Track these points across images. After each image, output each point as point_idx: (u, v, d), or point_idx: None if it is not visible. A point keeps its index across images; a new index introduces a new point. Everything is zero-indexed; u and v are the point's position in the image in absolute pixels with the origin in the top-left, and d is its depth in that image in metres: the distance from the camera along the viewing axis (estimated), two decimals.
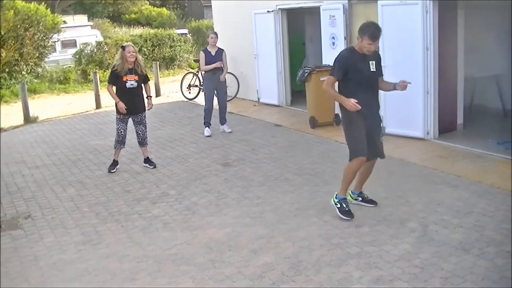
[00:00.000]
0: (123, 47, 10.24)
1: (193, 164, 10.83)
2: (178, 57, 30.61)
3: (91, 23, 38.36)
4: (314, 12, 14.76)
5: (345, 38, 13.18)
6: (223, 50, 13.10)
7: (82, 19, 42.93)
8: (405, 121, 11.31)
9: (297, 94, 16.07)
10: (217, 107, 13.40)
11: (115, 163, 10.75)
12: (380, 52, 11.54)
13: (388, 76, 11.19)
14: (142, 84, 10.56)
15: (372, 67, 7.40)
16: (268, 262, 6.46)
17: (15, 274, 6.62)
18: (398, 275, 5.95)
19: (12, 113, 19.41)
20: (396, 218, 7.46)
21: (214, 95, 13.23)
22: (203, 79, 13.03)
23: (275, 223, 7.64)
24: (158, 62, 24.18)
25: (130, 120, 10.56)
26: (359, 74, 7.31)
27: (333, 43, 13.55)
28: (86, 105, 19.59)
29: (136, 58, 10.26)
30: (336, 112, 13.26)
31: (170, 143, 12.52)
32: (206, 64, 12.85)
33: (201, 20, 38.92)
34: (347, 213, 7.54)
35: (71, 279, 6.43)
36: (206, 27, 33.62)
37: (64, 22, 31.04)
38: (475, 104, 13.03)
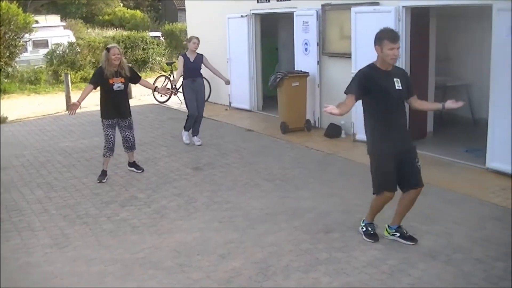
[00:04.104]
0: (108, 49, 9.87)
1: (163, 168, 10.78)
2: (150, 59, 30.41)
3: (63, 24, 37.95)
4: (288, 18, 14.79)
5: (317, 44, 13.23)
6: (202, 55, 12.62)
7: (54, 19, 42.46)
8: None
9: (269, 99, 16.08)
10: None
11: (104, 173, 10.26)
12: (352, 60, 11.71)
13: None
14: (139, 84, 10.46)
15: (398, 85, 6.60)
16: (236, 267, 6.44)
17: None
18: (366, 281, 5.97)
19: None
20: None
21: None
22: (182, 87, 12.65)
23: (244, 228, 7.62)
24: (130, 65, 24.00)
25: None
26: (384, 92, 6.55)
27: (306, 49, 13.60)
28: (57, 106, 19.39)
29: (120, 61, 9.90)
30: (307, 118, 13.30)
31: (141, 146, 12.42)
32: (186, 70, 12.35)
33: (175, 23, 38.82)
34: (371, 235, 7.05)
35: (37, 282, 6.37)
36: (180, 30, 33.56)
37: (36, 21, 30.71)
38: (445, 113, 13.12)
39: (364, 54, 11.28)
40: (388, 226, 7.09)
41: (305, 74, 13.15)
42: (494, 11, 9.12)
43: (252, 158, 11.17)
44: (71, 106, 9.88)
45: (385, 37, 6.56)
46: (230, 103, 16.97)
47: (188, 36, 12.61)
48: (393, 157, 6.66)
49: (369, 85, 6.56)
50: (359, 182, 9.26)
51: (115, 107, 10.02)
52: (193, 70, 12.41)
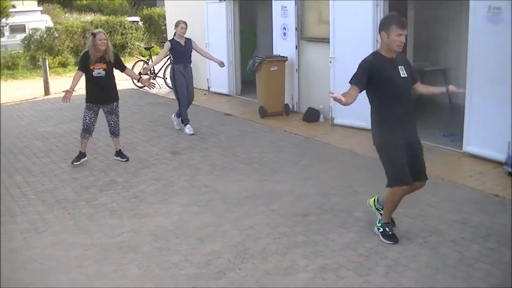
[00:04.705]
0: (94, 34, 9.73)
1: (142, 152, 10.79)
2: (129, 44, 30.23)
3: (41, 8, 37.64)
4: (266, 3, 14.78)
5: (296, 29, 13.23)
6: (190, 39, 12.33)
7: (32, 4, 42.03)
8: (354, 112, 11.36)
9: (247, 84, 16.09)
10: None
11: (81, 155, 10.21)
12: (330, 44, 11.75)
13: (339, 68, 11.35)
14: (123, 72, 10.40)
15: (403, 73, 6.36)
16: (215, 250, 6.48)
17: None
18: (343, 264, 6.03)
19: None
20: (343, 207, 7.55)
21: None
22: (173, 73, 12.31)
23: (222, 211, 7.67)
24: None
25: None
26: (389, 81, 6.29)
27: (284, 34, 13.60)
28: (35, 91, 19.27)
29: (107, 46, 9.80)
30: (285, 102, 13.33)
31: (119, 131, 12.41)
32: (177, 55, 12.15)
33: (153, 8, 38.61)
34: (390, 236, 6.58)
35: (16, 267, 6.36)
36: (158, 15, 33.38)
37: (13, 6, 30.44)
38: (422, 98, 13.20)
39: (342, 39, 11.38)
40: (377, 198, 6.96)
41: (284, 59, 13.16)
42: None
43: (231, 142, 11.20)
44: (65, 94, 9.72)
45: (393, 22, 6.23)
46: (208, 87, 16.95)
47: (175, 21, 12.23)
48: (403, 147, 6.41)
49: (373, 74, 6.28)
50: (336, 166, 9.33)
51: (97, 93, 9.95)
52: (184, 55, 12.17)
